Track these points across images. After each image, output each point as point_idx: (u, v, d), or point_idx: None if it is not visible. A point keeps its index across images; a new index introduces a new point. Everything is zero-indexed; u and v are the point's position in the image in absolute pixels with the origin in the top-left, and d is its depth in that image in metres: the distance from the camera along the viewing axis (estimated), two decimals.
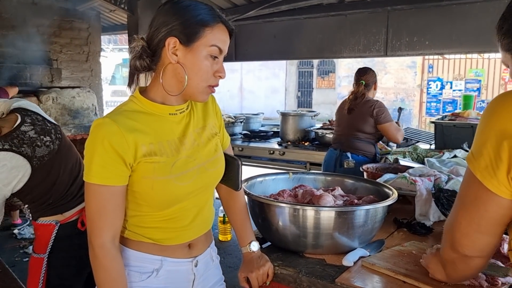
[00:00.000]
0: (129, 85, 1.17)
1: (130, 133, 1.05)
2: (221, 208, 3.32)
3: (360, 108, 3.20)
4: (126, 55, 19.19)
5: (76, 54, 5.77)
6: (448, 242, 0.96)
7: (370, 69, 3.34)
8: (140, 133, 1.07)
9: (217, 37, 1.08)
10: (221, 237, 3.96)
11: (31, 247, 3.69)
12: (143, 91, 1.15)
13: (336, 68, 14.60)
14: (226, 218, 3.83)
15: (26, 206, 1.69)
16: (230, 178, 1.30)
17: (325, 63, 15.07)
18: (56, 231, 1.67)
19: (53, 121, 1.77)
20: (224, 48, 1.11)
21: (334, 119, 3.64)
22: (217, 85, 1.14)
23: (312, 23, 4.67)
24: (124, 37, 17.66)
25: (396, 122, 3.32)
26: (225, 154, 1.29)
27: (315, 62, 15.31)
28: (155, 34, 1.10)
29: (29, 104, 1.75)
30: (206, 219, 1.27)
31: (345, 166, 3.15)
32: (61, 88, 4.89)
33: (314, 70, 15.63)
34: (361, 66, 3.44)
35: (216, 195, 1.43)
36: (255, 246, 1.33)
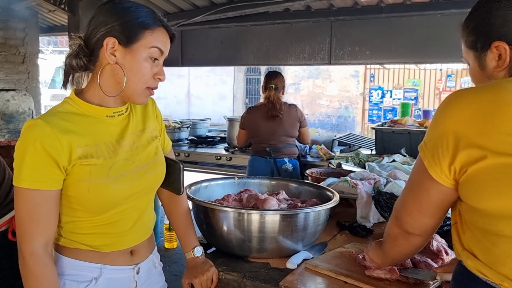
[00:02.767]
0: (64, 85, 1.13)
1: (64, 135, 1.01)
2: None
3: (287, 114, 3.28)
4: None
5: (11, 55, 5.44)
6: (394, 218, 1.04)
7: (279, 73, 3.46)
8: (75, 135, 1.03)
9: (157, 39, 1.08)
10: (166, 245, 3.88)
11: None
12: (79, 93, 1.11)
13: (283, 75, 14.81)
14: None
15: None
16: (172, 181, 1.28)
17: (272, 70, 15.28)
18: None
19: None
20: (164, 50, 1.10)
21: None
22: (156, 88, 1.13)
23: (258, 31, 4.73)
24: (65, 39, 16.93)
25: None
26: (166, 158, 1.27)
27: (263, 69, 15.47)
28: (93, 33, 1.07)
29: None
30: (147, 224, 1.24)
31: (284, 172, 3.21)
32: None
33: (262, 77, 15.78)
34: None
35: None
36: (199, 251, 1.32)
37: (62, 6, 4.59)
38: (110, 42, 1.05)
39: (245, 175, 3.51)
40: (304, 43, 4.52)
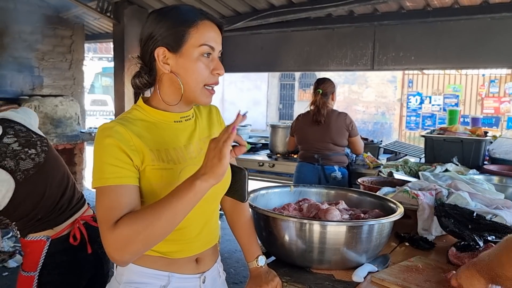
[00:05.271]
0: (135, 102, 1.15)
1: (136, 137, 1.02)
2: None
3: (335, 121, 3.23)
4: (106, 63, 18.99)
5: (59, 62, 5.65)
6: None
7: (329, 79, 3.39)
8: (146, 139, 1.04)
9: (204, 35, 1.05)
10: None
11: (10, 261, 3.55)
12: (146, 100, 1.13)
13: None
14: None
15: (14, 223, 1.61)
16: (237, 189, 1.26)
17: (307, 76, 15.21)
18: (47, 247, 1.59)
19: (39, 132, 1.70)
20: (215, 45, 1.07)
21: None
22: (216, 83, 1.10)
23: (299, 36, 4.71)
24: (104, 45, 17.47)
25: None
26: (231, 165, 1.26)
27: (297, 75, 15.43)
28: (145, 49, 1.08)
29: (13, 115, 1.67)
30: (213, 231, 1.23)
31: (333, 179, 3.16)
32: (43, 96, 4.76)
33: (296, 83, 15.75)
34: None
35: None
36: (262, 260, 1.29)
37: (108, 14, 4.72)
38: (160, 53, 1.05)
39: (291, 182, 3.49)
40: (346, 48, 4.46)
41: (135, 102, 1.15)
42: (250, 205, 1.41)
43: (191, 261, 1.16)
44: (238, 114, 0.96)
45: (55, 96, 4.86)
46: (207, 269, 1.20)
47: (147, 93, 1.17)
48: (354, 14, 4.26)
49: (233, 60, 5.10)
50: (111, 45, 4.93)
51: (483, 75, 10.13)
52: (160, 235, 0.96)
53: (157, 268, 1.11)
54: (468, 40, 3.89)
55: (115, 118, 1.14)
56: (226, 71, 4.40)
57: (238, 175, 1.24)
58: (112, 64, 5.09)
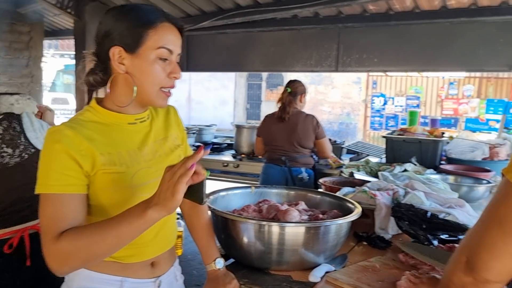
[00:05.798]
0: (88, 103, 1.11)
1: (87, 141, 0.99)
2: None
3: (302, 123, 3.22)
4: (68, 61, 18.42)
5: (16, 58, 5.43)
6: (461, 264, 0.88)
7: (300, 81, 3.40)
8: (98, 143, 1.01)
9: (163, 38, 1.02)
10: None
11: None
12: (100, 101, 1.10)
13: (284, 81, 14.79)
14: (178, 233, 3.71)
15: None
16: (194, 191, 1.24)
17: (274, 76, 15.29)
18: None
19: (34, 141, 1.64)
20: (173, 48, 1.04)
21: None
22: (172, 87, 1.08)
23: (265, 36, 4.72)
24: (66, 42, 16.94)
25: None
26: None
27: (264, 75, 15.49)
28: (101, 46, 1.05)
29: (25, 115, 1.68)
30: (169, 235, 1.21)
31: (300, 181, 3.18)
32: None
33: (263, 83, 15.81)
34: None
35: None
36: (220, 263, 1.28)
37: (69, 10, 4.58)
38: (116, 52, 1.02)
39: (256, 183, 3.49)
40: (311, 50, 4.51)
41: (88, 101, 1.12)
42: (209, 207, 1.40)
43: (146, 265, 1.14)
44: (200, 148, 0.93)
45: (11, 94, 4.66)
46: (163, 273, 1.18)
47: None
48: (319, 16, 4.31)
49: (198, 60, 5.06)
50: (73, 42, 4.78)
51: (443, 77, 10.48)
52: (103, 255, 0.95)
53: (110, 273, 1.08)
54: (428, 43, 4.01)
55: None
56: (192, 70, 4.33)
57: None
58: (74, 62, 4.95)
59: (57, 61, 18.66)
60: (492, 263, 0.83)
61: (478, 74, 9.93)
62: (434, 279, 1.09)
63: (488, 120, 9.12)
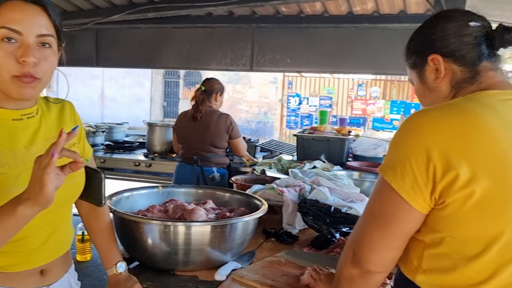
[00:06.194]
0: None
1: None
2: (79, 225, 3.05)
3: (215, 123, 3.16)
4: None
5: None
6: (349, 257, 0.94)
7: (217, 79, 3.35)
8: None
9: (5, 17, 0.90)
10: (79, 257, 3.61)
11: None
12: None
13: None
14: (85, 236, 3.52)
15: None
16: (92, 193, 1.17)
17: (192, 74, 15.13)
18: None
19: None
20: (21, 28, 0.91)
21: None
22: (28, 74, 0.92)
23: (180, 33, 4.63)
24: None
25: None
26: (86, 167, 1.16)
27: (182, 72, 15.25)
28: None
29: None
30: (62, 240, 1.12)
31: (211, 181, 3.16)
32: None
33: (181, 81, 15.56)
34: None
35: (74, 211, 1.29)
36: (122, 267, 1.22)
37: None
38: None
39: (170, 183, 3.41)
40: (226, 49, 4.51)
41: None
42: (110, 209, 1.33)
43: (34, 274, 1.04)
44: (61, 132, 0.82)
45: None
46: (55, 281, 1.10)
47: None
48: (234, 15, 4.32)
49: (109, 55, 4.81)
50: None
51: (352, 79, 11.13)
52: None
53: None
54: (336, 46, 4.20)
55: None
56: (102, 65, 4.07)
57: (93, 178, 1.15)
58: None
59: None
60: (371, 255, 0.89)
61: (383, 77, 10.69)
62: (331, 275, 1.14)
63: (392, 119, 9.86)
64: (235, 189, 2.12)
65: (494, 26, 0.97)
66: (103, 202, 1.17)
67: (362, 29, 4.06)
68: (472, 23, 0.95)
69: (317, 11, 4.04)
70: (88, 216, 1.25)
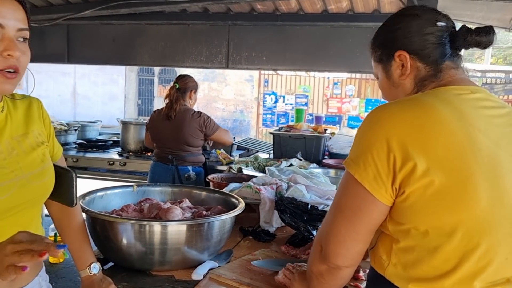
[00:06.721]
0: None
1: None
2: (52, 226, 2.97)
3: (189, 122, 3.10)
4: None
5: None
6: (317, 253, 0.95)
7: (190, 76, 3.31)
8: None
9: None
10: (52, 259, 3.52)
11: None
12: None
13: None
14: (58, 238, 3.42)
15: None
16: (63, 192, 1.14)
17: (167, 71, 14.95)
18: None
19: None
20: (3, 22, 0.90)
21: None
22: (10, 67, 0.91)
23: (154, 30, 4.56)
24: None
25: None
26: (56, 166, 1.13)
27: (156, 70, 15.05)
28: None
29: None
30: None
31: (187, 180, 3.12)
32: None
33: (156, 78, 15.35)
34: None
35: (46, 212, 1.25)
36: (96, 268, 1.19)
37: None
38: None
39: (145, 182, 3.36)
40: (202, 46, 4.47)
41: None
42: (83, 208, 1.29)
43: None
44: (42, 253, 0.75)
45: None
46: (25, 285, 1.06)
47: None
48: (209, 12, 4.29)
49: (81, 51, 4.69)
50: None
51: (328, 77, 11.23)
52: None
53: None
54: (311, 45, 4.22)
55: None
56: (73, 62, 3.97)
57: (64, 177, 1.12)
58: None
59: None
60: (338, 249, 0.90)
61: (358, 75, 10.83)
62: (304, 273, 1.13)
63: None
64: (211, 187, 2.11)
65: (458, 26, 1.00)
66: (75, 202, 1.15)
67: (337, 27, 4.09)
68: (438, 23, 0.97)
69: (292, 9, 4.05)
70: (59, 216, 1.21)
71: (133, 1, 4.00)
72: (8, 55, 0.90)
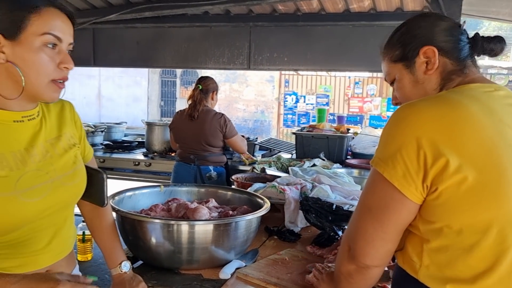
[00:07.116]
0: None
1: None
2: (80, 225, 3.04)
3: (209, 122, 3.15)
4: None
5: None
6: (345, 253, 0.95)
7: (212, 78, 3.37)
8: None
9: (49, 23, 0.94)
10: (80, 257, 3.59)
11: None
12: None
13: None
14: (86, 236, 3.51)
15: None
16: (94, 193, 1.18)
17: (189, 73, 15.09)
18: None
19: None
20: (62, 36, 0.97)
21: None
22: (64, 79, 1.00)
23: (177, 32, 4.62)
24: None
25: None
26: (87, 167, 1.17)
27: (178, 72, 15.22)
28: None
29: None
30: (66, 240, 1.13)
31: (208, 179, 3.16)
32: None
33: (178, 80, 15.52)
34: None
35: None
36: (126, 266, 1.23)
37: None
38: None
39: (169, 182, 3.41)
40: (224, 47, 4.50)
41: None
42: (113, 208, 1.33)
43: None
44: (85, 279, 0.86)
45: None
46: None
47: None
48: (231, 14, 4.32)
49: (106, 54, 4.80)
50: None
51: (349, 77, 11.14)
52: None
53: None
54: (333, 44, 4.20)
55: None
56: (99, 65, 4.07)
57: (95, 178, 1.16)
58: None
59: None
60: (367, 248, 0.89)
61: (380, 74, 10.69)
62: (333, 274, 1.14)
63: (388, 117, 9.86)
64: (235, 187, 2.13)
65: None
66: (106, 202, 1.19)
67: (359, 26, 4.07)
68: (461, 27, 1.02)
69: (313, 9, 4.04)
70: (91, 216, 1.25)
71: (156, 4, 4.07)
72: (64, 67, 0.97)
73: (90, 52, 4.76)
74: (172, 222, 1.29)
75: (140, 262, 1.40)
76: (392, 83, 1.11)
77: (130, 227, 1.33)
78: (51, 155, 1.04)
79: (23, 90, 0.95)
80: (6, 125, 0.98)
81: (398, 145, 0.84)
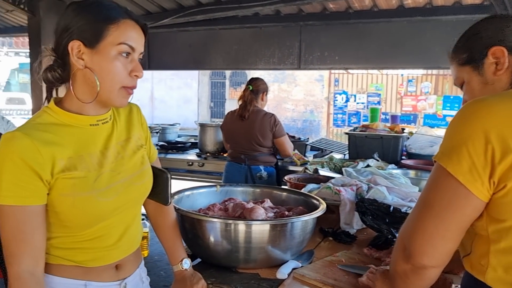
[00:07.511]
0: (48, 100, 1.06)
1: (45, 147, 0.94)
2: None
3: (260, 122, 3.18)
4: (23, 59, 17.67)
5: None
6: (402, 252, 0.92)
7: (262, 79, 3.39)
8: (57, 147, 0.97)
9: (125, 34, 1.00)
10: None
11: None
12: (58, 102, 1.05)
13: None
14: (143, 234, 3.64)
15: None
16: (159, 192, 1.23)
17: (238, 74, 15.28)
18: None
19: None
20: (135, 46, 1.02)
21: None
22: (134, 87, 1.06)
23: (227, 34, 4.69)
24: (21, 39, 16.26)
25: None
26: (153, 167, 1.22)
27: (228, 73, 15.44)
28: (59, 41, 1.01)
29: None
30: (134, 237, 1.18)
31: (259, 179, 3.18)
32: None
33: (227, 81, 15.75)
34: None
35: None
36: (187, 263, 1.27)
37: (22, 6, 4.38)
38: (74, 46, 0.99)
39: (221, 181, 3.47)
40: (274, 48, 4.52)
41: (48, 100, 1.07)
42: (174, 207, 1.37)
43: (110, 268, 1.11)
44: None
45: None
46: (128, 275, 1.16)
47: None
48: (281, 14, 4.33)
49: (160, 58, 4.97)
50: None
51: (402, 75, 10.81)
52: None
53: (72, 277, 1.05)
54: (386, 41, 4.10)
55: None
56: (154, 68, 4.24)
57: (160, 178, 1.21)
58: (29, 60, 4.73)
59: (11, 60, 17.89)
60: (425, 247, 0.86)
61: (435, 71, 10.30)
62: (386, 272, 1.12)
63: (445, 116, 9.47)
64: (288, 188, 2.13)
65: None
66: (169, 200, 1.23)
67: (414, 22, 3.94)
68: None
69: (366, 6, 3.96)
70: (155, 214, 1.30)
71: (207, 7, 4.16)
72: (135, 75, 1.03)
73: (145, 56, 4.90)
74: (230, 221, 1.31)
75: (199, 260, 1.44)
76: (461, 87, 1.08)
77: (190, 226, 1.37)
78: (122, 156, 1.10)
79: (97, 95, 1.01)
80: (83, 128, 1.04)
81: (464, 139, 0.81)
